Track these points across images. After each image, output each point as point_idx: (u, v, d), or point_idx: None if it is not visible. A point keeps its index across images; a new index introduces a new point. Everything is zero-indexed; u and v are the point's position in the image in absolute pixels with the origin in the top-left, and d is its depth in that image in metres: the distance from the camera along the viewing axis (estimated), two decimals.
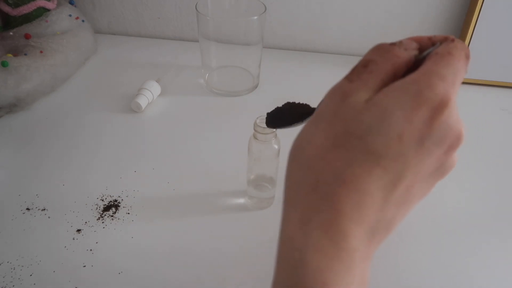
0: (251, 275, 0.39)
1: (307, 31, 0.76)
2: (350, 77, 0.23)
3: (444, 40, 0.24)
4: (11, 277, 0.38)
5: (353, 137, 0.22)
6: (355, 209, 0.21)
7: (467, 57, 0.23)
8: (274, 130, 0.40)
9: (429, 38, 0.25)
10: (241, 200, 0.47)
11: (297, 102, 0.33)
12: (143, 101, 0.58)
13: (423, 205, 0.47)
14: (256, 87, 0.66)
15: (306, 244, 0.21)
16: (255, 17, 0.58)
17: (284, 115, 0.34)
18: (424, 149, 0.22)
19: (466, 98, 0.68)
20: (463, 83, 0.70)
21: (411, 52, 0.24)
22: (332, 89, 0.24)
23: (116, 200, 0.46)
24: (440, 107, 0.21)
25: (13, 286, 0.37)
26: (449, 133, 0.22)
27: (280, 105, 0.34)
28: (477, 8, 0.63)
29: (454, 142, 0.23)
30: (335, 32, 0.75)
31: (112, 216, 0.44)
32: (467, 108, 0.66)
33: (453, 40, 0.24)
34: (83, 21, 0.70)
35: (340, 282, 0.21)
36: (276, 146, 0.41)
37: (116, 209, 0.45)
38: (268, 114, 0.35)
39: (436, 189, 0.52)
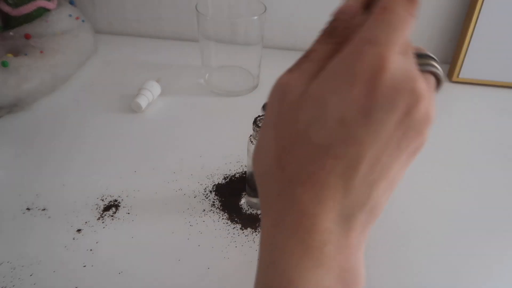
0: (251, 275, 0.39)
1: (307, 31, 0.76)
2: (291, 68, 0.24)
3: None
4: (11, 277, 0.38)
5: (298, 136, 0.22)
6: (317, 205, 0.21)
7: (410, 1, 0.21)
8: None
9: None
10: (242, 201, 0.47)
11: None
12: (143, 101, 0.59)
13: (422, 205, 0.47)
14: (256, 87, 0.66)
15: (275, 246, 0.22)
16: (255, 17, 0.58)
17: None
18: (373, 122, 0.21)
19: (466, 98, 0.68)
20: (464, 83, 0.70)
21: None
22: (274, 86, 0.24)
23: (116, 200, 0.46)
24: (375, 75, 0.20)
25: (13, 286, 0.37)
26: (397, 96, 0.20)
27: None
28: (477, 8, 0.63)
29: (410, 100, 0.21)
30: None
31: (112, 216, 0.44)
32: (467, 108, 0.66)
33: None
34: (83, 21, 0.70)
35: (309, 278, 0.21)
36: None
37: (116, 209, 0.45)
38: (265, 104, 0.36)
39: (435, 188, 0.52)
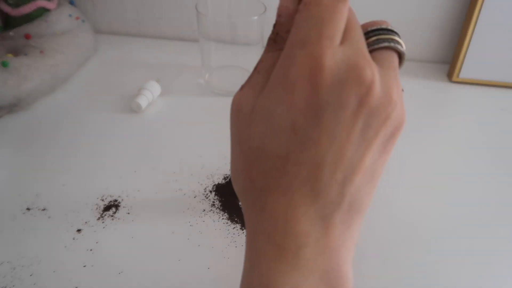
0: None
1: None
2: (244, 84, 0.24)
3: None
4: (11, 277, 0.38)
5: (257, 151, 0.22)
6: (288, 211, 0.21)
7: None
8: None
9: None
10: None
11: None
12: (143, 101, 0.59)
13: (422, 205, 0.47)
14: None
15: (254, 252, 0.23)
16: (255, 17, 0.58)
17: None
18: (325, 122, 0.20)
19: (466, 98, 0.68)
20: (464, 83, 0.70)
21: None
22: (231, 104, 0.24)
23: (116, 200, 0.46)
24: (313, 77, 0.20)
25: (13, 286, 0.37)
26: (343, 90, 0.20)
27: None
28: (477, 8, 0.63)
29: (359, 90, 0.20)
30: None
31: (112, 216, 0.44)
32: (467, 108, 0.66)
33: None
34: (83, 21, 0.70)
35: (285, 281, 0.21)
36: None
37: (116, 209, 0.45)
38: None
39: (435, 188, 0.52)
